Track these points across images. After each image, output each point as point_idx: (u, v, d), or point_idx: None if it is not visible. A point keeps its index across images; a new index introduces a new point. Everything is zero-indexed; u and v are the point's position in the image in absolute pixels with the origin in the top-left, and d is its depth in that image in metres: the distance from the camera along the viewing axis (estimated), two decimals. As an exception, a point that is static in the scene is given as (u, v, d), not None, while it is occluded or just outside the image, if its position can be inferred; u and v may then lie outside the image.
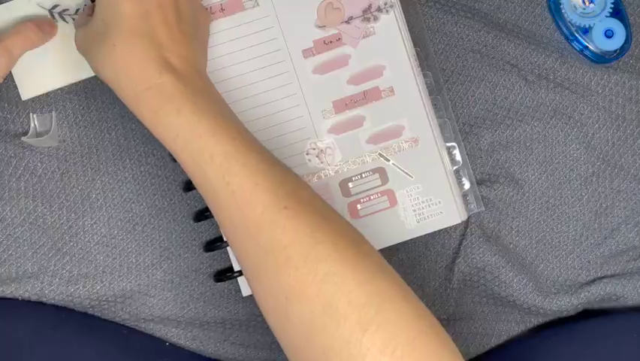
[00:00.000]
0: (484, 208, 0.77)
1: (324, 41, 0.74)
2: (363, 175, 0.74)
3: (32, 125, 0.74)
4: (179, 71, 0.63)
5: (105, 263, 0.75)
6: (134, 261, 0.76)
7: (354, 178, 0.74)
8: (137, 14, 0.63)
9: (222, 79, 0.72)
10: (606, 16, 0.76)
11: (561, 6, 0.76)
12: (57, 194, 0.75)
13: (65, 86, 0.75)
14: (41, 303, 0.75)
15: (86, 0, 0.73)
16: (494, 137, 0.77)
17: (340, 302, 0.56)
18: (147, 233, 0.76)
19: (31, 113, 0.75)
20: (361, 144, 0.74)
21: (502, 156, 0.77)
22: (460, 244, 0.78)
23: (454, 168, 0.76)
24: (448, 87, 0.77)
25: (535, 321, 0.79)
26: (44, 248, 0.75)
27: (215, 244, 0.75)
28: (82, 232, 0.75)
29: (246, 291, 0.75)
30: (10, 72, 0.74)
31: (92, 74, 0.71)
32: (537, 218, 0.78)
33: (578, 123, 0.77)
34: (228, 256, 0.75)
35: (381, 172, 0.74)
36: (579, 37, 0.76)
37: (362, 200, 0.74)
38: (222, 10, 0.73)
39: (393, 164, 0.74)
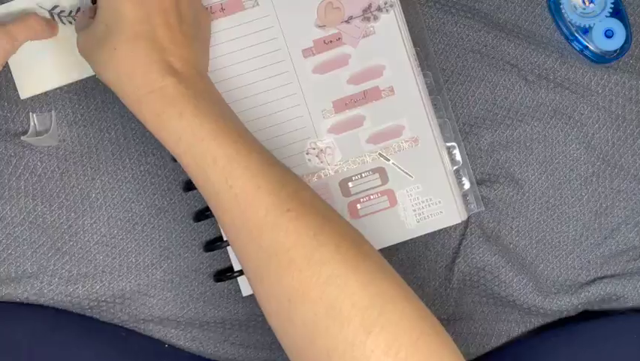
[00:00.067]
0: (484, 208, 0.77)
1: (324, 41, 0.74)
2: (363, 175, 0.74)
3: (32, 124, 0.74)
4: (181, 73, 0.62)
5: (105, 263, 0.75)
6: (133, 261, 0.76)
7: (354, 178, 0.74)
8: (138, 17, 0.62)
9: (222, 78, 0.72)
10: (606, 16, 0.76)
11: (561, 6, 0.76)
12: (57, 193, 0.75)
13: (65, 85, 0.74)
14: (40, 305, 0.75)
15: (81, 1, 0.73)
16: (494, 137, 0.77)
17: (344, 304, 0.56)
18: (147, 233, 0.76)
19: (30, 113, 0.74)
20: (361, 143, 0.74)
21: (502, 156, 0.77)
22: (460, 243, 0.78)
23: (454, 168, 0.76)
24: (448, 87, 0.77)
25: (535, 321, 0.79)
26: (44, 247, 0.75)
27: (215, 243, 0.75)
28: (81, 232, 0.75)
29: (245, 291, 0.75)
30: (10, 71, 0.74)
31: (91, 73, 0.71)
32: (537, 218, 0.78)
33: (578, 123, 0.77)
34: (228, 255, 0.75)
35: (381, 172, 0.74)
36: (579, 37, 0.76)
37: (362, 200, 0.74)
38: (222, 9, 0.72)
39: (393, 164, 0.74)
